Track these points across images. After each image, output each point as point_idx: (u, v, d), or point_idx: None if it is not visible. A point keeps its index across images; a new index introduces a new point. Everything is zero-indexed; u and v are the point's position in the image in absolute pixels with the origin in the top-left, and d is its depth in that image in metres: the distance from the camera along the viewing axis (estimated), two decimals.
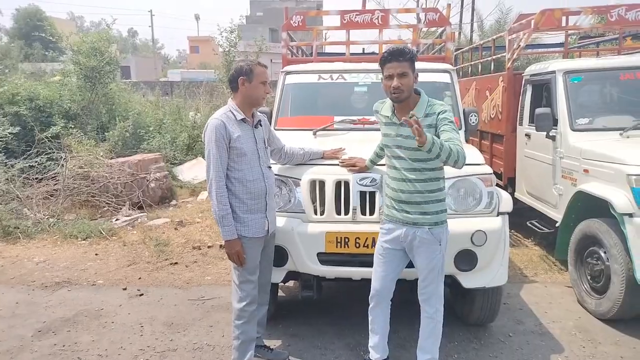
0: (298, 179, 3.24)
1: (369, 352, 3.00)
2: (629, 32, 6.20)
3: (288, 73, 4.53)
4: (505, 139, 5.76)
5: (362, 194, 3.16)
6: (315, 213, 3.19)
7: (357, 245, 3.09)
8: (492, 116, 6.16)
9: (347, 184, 3.17)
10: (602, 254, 3.69)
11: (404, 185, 2.69)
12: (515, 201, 5.62)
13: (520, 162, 5.50)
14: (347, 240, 3.09)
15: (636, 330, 3.54)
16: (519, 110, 5.50)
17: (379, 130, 3.97)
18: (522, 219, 5.37)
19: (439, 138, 2.51)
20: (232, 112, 2.82)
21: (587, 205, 3.96)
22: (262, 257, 2.96)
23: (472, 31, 21.48)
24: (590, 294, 3.86)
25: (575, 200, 4.10)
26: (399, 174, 2.72)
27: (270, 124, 4.27)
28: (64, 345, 3.44)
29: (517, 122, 5.53)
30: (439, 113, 2.63)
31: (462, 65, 8.02)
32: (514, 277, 4.63)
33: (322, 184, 3.20)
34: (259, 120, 2.95)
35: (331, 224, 3.15)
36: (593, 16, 4.96)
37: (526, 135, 5.27)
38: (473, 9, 21.54)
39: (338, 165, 3.25)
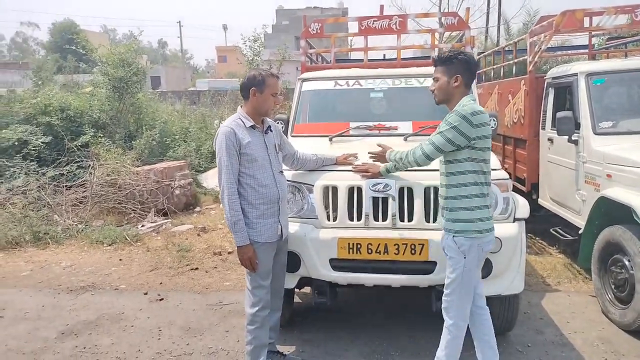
0: (311, 184, 3.25)
1: None
2: None
3: (305, 80, 4.57)
4: (528, 143, 5.65)
5: (375, 200, 3.15)
6: (328, 219, 3.20)
7: (370, 251, 3.08)
8: (515, 120, 6.05)
9: (360, 189, 3.17)
10: (627, 262, 3.57)
11: (440, 189, 2.76)
12: (540, 208, 5.53)
13: (543, 167, 5.38)
14: (359, 246, 3.08)
15: None
16: (541, 114, 5.39)
17: (396, 135, 4.02)
18: (547, 225, 5.24)
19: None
20: (241, 120, 2.86)
21: (611, 212, 3.85)
22: (275, 262, 2.99)
23: (498, 35, 21.16)
24: (614, 304, 3.74)
25: (598, 207, 3.99)
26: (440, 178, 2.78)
27: (287, 131, 4.34)
28: (84, 348, 3.55)
29: (540, 126, 5.42)
30: (450, 115, 2.61)
31: (484, 69, 7.91)
32: (536, 285, 4.53)
33: (335, 189, 3.21)
34: (269, 126, 2.99)
35: (343, 230, 3.14)
36: (616, 16, 4.80)
37: (549, 139, 5.15)
38: (500, 12, 21.20)
39: (351, 171, 3.25)
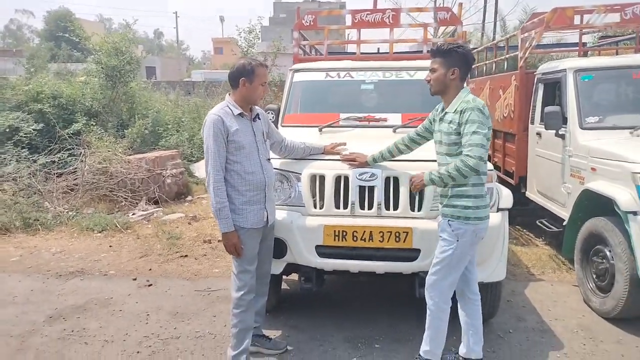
0: (299, 173, 3.29)
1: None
2: None
3: (296, 71, 4.60)
4: (517, 137, 5.71)
5: (362, 189, 3.20)
6: (315, 207, 3.25)
7: (355, 238, 3.12)
8: (505, 115, 6.12)
9: (346, 178, 3.21)
10: (607, 253, 3.65)
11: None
12: (529, 201, 5.60)
13: (532, 161, 5.45)
14: (344, 233, 3.13)
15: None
16: (530, 109, 5.45)
17: (385, 127, 4.07)
18: (535, 218, 5.31)
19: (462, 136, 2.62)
20: (229, 107, 2.88)
21: (594, 204, 3.92)
22: (261, 248, 3.03)
23: (494, 31, 21.24)
24: (595, 293, 3.82)
25: (582, 199, 4.06)
26: (439, 168, 2.81)
27: (278, 121, 4.37)
28: (72, 331, 3.58)
29: (529, 121, 5.48)
30: (463, 111, 2.63)
31: (477, 65, 7.96)
32: (521, 275, 4.61)
33: (322, 178, 3.25)
34: (257, 114, 3.02)
35: (330, 218, 3.19)
36: (606, 14, 4.86)
37: (537, 134, 5.22)
38: (496, 9, 21.28)
39: (339, 160, 3.29)
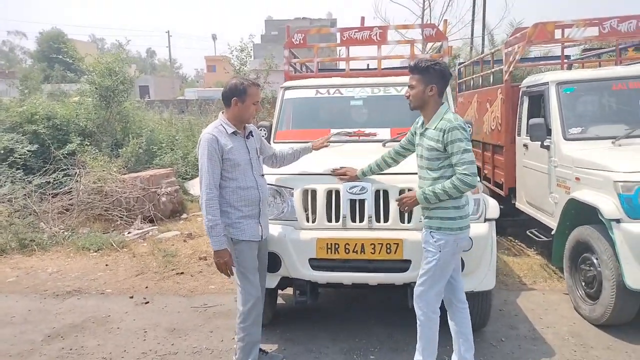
0: (291, 188, 3.39)
1: None
2: (627, 43, 6.26)
3: (287, 88, 4.72)
4: (505, 149, 5.84)
5: (352, 202, 3.29)
6: (307, 220, 3.33)
7: (347, 251, 3.20)
8: (493, 128, 6.25)
9: (337, 192, 3.31)
10: (595, 260, 3.74)
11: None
12: (520, 212, 5.71)
13: (520, 172, 5.57)
14: (337, 246, 3.21)
15: (629, 336, 3.56)
16: (517, 121, 5.59)
17: (375, 142, 4.18)
18: (526, 229, 5.40)
19: (450, 156, 2.71)
20: (223, 126, 2.96)
21: (580, 213, 4.02)
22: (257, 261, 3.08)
23: (483, 45, 21.58)
24: (584, 300, 3.90)
25: (568, 208, 4.17)
26: (419, 181, 2.92)
27: (270, 137, 4.47)
28: (71, 349, 3.62)
29: (516, 133, 5.62)
30: (447, 131, 2.71)
31: (465, 79, 8.14)
32: (513, 284, 4.68)
33: (314, 192, 3.35)
34: (250, 131, 3.11)
35: (322, 231, 3.27)
36: (585, 28, 5.03)
37: (524, 145, 5.35)
38: (484, 23, 21.63)
39: (329, 175, 3.38)
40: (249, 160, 3.01)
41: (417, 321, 2.93)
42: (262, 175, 3.14)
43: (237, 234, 2.94)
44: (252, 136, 3.12)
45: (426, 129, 2.86)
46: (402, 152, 3.20)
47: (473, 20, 21.73)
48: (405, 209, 2.98)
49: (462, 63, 8.52)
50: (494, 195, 6.38)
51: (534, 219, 5.32)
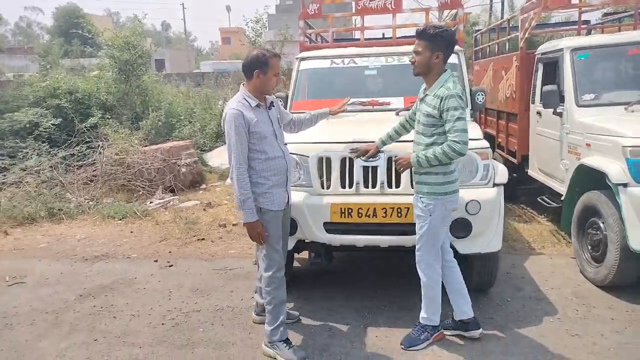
0: (307, 156, 3.52)
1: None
2: None
3: (302, 59, 4.81)
4: (519, 117, 5.87)
5: (365, 169, 3.43)
6: (322, 187, 3.48)
7: (360, 215, 3.36)
8: (507, 95, 6.27)
9: (351, 160, 3.44)
10: (601, 224, 3.84)
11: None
12: (532, 180, 5.77)
13: (533, 139, 5.61)
14: (350, 210, 3.37)
15: (631, 296, 3.69)
16: (531, 88, 5.60)
17: (388, 110, 4.28)
18: (537, 196, 5.46)
19: (444, 123, 2.80)
20: (246, 100, 3.01)
21: (589, 179, 4.09)
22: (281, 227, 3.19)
23: (502, 11, 21.11)
24: (590, 263, 4.02)
25: (578, 174, 4.24)
26: (414, 146, 3.03)
27: (286, 108, 4.59)
28: (102, 307, 3.89)
29: (530, 101, 5.63)
30: (444, 98, 2.81)
31: (481, 47, 8.08)
32: (521, 249, 4.81)
33: (328, 160, 3.49)
34: (272, 102, 3.19)
35: (336, 197, 3.43)
36: None
37: (537, 113, 5.38)
38: None
39: (343, 143, 3.49)
40: (273, 131, 3.07)
41: (422, 283, 3.11)
42: (285, 144, 3.21)
43: (266, 204, 3.01)
44: (274, 106, 3.18)
45: (426, 94, 2.96)
46: (414, 118, 3.30)
47: None
48: (401, 170, 3.11)
49: (479, 30, 8.43)
50: (507, 163, 6.45)
51: (546, 187, 5.39)
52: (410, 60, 3.02)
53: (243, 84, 3.10)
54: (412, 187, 3.35)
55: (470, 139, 3.24)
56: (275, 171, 3.04)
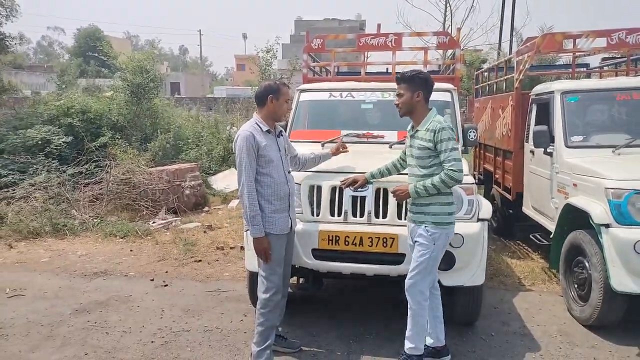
0: (298, 183, 3.67)
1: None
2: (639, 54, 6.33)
3: (303, 91, 5.02)
4: (514, 155, 6.00)
5: (354, 199, 3.57)
6: (312, 214, 3.62)
7: (347, 243, 3.48)
8: (504, 133, 6.41)
9: (341, 189, 3.58)
10: (586, 263, 3.91)
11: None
12: (527, 217, 5.85)
13: (527, 177, 5.72)
14: (337, 238, 3.49)
15: (615, 336, 3.72)
16: (526, 127, 5.74)
17: (382, 144, 4.44)
18: (531, 233, 5.52)
19: (439, 154, 3.00)
20: (258, 125, 3.21)
21: (576, 218, 4.18)
22: (284, 252, 3.29)
23: (510, 50, 21.48)
24: (576, 301, 4.07)
25: (565, 213, 4.33)
26: (409, 178, 3.20)
27: None
28: (95, 322, 4.00)
29: (524, 140, 5.77)
30: (437, 131, 3.01)
31: (481, 85, 8.29)
32: (511, 285, 4.86)
33: (319, 188, 3.63)
34: (280, 131, 3.39)
35: (325, 224, 3.56)
36: (593, 39, 5.16)
37: (531, 151, 5.50)
38: (512, 28, 21.56)
39: (333, 172, 3.66)
40: (280, 157, 3.25)
41: (409, 310, 3.18)
42: (289, 171, 3.38)
43: (269, 227, 3.14)
44: (282, 136, 3.38)
45: (417, 130, 3.14)
46: (406, 159, 3.45)
47: (501, 24, 21.66)
48: (398, 200, 3.27)
49: (480, 69, 8.66)
50: (504, 200, 6.55)
51: (538, 223, 5.47)
52: (394, 103, 3.21)
53: (256, 112, 3.31)
54: (399, 218, 3.49)
55: None
56: (278, 196, 3.19)
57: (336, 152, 3.83)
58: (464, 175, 3.58)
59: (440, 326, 3.29)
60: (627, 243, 3.48)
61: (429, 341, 3.31)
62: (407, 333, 3.22)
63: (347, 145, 4.36)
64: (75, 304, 4.38)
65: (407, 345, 3.22)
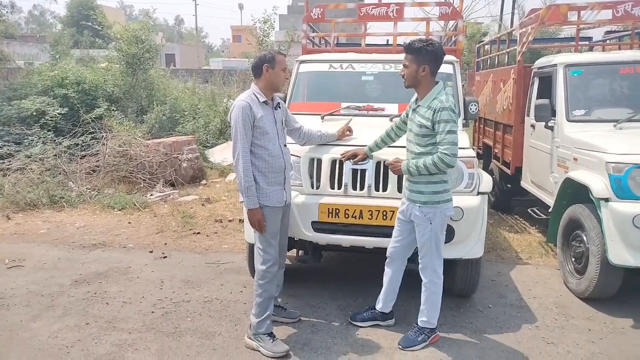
0: (298, 156, 3.64)
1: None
2: None
3: (302, 62, 4.93)
4: (514, 129, 5.96)
5: (354, 172, 3.55)
6: (312, 187, 3.60)
7: (347, 215, 3.48)
8: (504, 107, 6.36)
9: (341, 162, 3.56)
10: (584, 237, 3.93)
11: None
12: (526, 191, 5.86)
13: (526, 151, 5.71)
14: (337, 211, 3.49)
15: (610, 308, 3.78)
16: (527, 101, 5.70)
17: (383, 116, 4.39)
18: (529, 207, 5.54)
19: (436, 134, 2.93)
20: (255, 95, 3.15)
21: (575, 192, 4.19)
22: (280, 224, 3.29)
23: (512, 22, 21.18)
24: (572, 275, 4.11)
25: (565, 187, 4.33)
26: (406, 153, 3.16)
27: None
28: (95, 293, 4.02)
29: (525, 113, 5.73)
30: (437, 110, 2.92)
31: (483, 58, 8.18)
32: (508, 258, 4.91)
33: (319, 161, 3.61)
34: (278, 103, 3.32)
35: (325, 197, 3.55)
36: (599, 11, 5.07)
37: (531, 126, 5.47)
38: (514, 1, 21.20)
39: (334, 145, 3.62)
40: (275, 129, 3.20)
41: (423, 287, 3.23)
42: (285, 145, 3.32)
43: (263, 200, 3.13)
44: (280, 108, 3.31)
45: (419, 105, 3.07)
46: (402, 127, 3.39)
47: None
48: (393, 170, 3.23)
49: (481, 42, 8.53)
50: (502, 174, 6.55)
51: (537, 198, 5.48)
52: (400, 74, 3.14)
53: (254, 83, 3.24)
54: (399, 192, 3.48)
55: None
56: (273, 169, 3.16)
57: (342, 135, 3.73)
58: (465, 148, 3.58)
59: (392, 295, 3.43)
60: (626, 217, 3.49)
61: (378, 305, 3.45)
62: (421, 307, 3.27)
63: (347, 116, 4.35)
64: (74, 275, 4.39)
65: (420, 318, 3.27)
